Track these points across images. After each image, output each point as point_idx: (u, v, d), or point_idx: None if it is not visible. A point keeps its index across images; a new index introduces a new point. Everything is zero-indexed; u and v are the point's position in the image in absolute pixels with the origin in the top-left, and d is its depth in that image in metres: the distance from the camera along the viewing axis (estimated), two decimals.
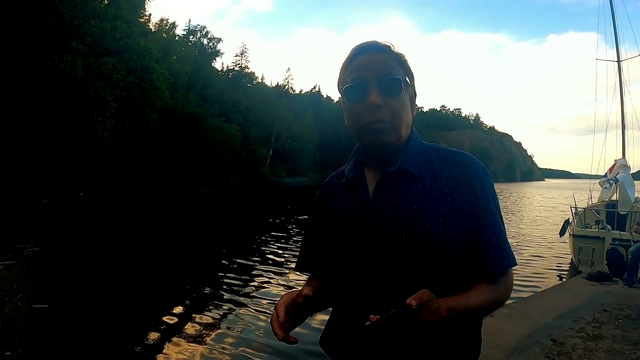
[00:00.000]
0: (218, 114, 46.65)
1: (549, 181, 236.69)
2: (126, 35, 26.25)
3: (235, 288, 7.75)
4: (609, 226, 10.37)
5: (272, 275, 8.76)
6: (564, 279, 9.49)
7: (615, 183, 12.28)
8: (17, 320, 5.54)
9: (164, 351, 4.96)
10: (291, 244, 12.31)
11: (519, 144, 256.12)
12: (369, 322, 0.92)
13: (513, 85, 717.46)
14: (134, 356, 4.90)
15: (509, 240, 1.16)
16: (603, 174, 13.72)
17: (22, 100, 20.72)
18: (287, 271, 9.13)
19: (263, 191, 41.26)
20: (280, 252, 11.23)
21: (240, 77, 70.02)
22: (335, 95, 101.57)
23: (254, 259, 10.22)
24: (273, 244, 12.29)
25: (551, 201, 42.56)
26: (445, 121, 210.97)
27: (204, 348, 5.08)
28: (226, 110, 50.94)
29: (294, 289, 1.12)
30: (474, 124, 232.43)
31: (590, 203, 13.65)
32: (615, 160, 13.58)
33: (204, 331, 5.62)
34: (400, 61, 1.15)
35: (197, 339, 5.36)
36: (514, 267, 1.13)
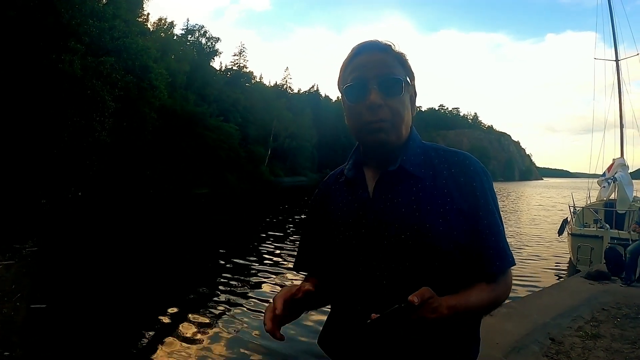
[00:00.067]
0: (216, 114, 46.59)
1: (548, 180, 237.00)
2: (124, 35, 26.23)
3: (233, 288, 7.75)
4: (607, 225, 10.38)
5: (270, 275, 8.76)
6: (562, 278, 9.49)
7: (614, 182, 12.29)
8: (16, 320, 5.54)
9: (162, 351, 4.96)
10: (289, 244, 12.31)
11: (518, 143, 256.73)
12: (370, 320, 0.92)
13: (511, 84, 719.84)
14: (132, 356, 4.90)
15: (508, 239, 1.16)
16: (601, 173, 13.73)
17: (20, 100, 20.69)
18: (284, 271, 9.13)
19: (262, 191, 41.25)
20: (278, 251, 11.23)
21: (239, 77, 69.96)
22: (334, 95, 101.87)
23: (252, 258, 10.22)
24: (271, 244, 12.29)
25: (549, 200, 42.60)
26: (444, 120, 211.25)
27: (202, 348, 5.07)
28: (224, 109, 50.88)
29: (293, 284, 1.10)
30: (473, 123, 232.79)
31: (588, 202, 13.66)
32: (613, 159, 13.58)
33: (202, 331, 5.62)
34: (400, 61, 1.15)
35: (196, 339, 5.36)
36: (512, 267, 1.13)
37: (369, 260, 1.11)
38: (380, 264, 1.09)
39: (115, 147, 25.75)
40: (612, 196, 12.37)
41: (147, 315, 6.25)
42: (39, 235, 11.78)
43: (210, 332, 5.61)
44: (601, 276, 7.47)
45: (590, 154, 14.78)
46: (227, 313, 6.37)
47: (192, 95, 44.13)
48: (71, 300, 6.62)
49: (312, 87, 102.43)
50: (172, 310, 6.43)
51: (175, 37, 53.04)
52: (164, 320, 5.95)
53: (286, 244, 12.40)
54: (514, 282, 1.17)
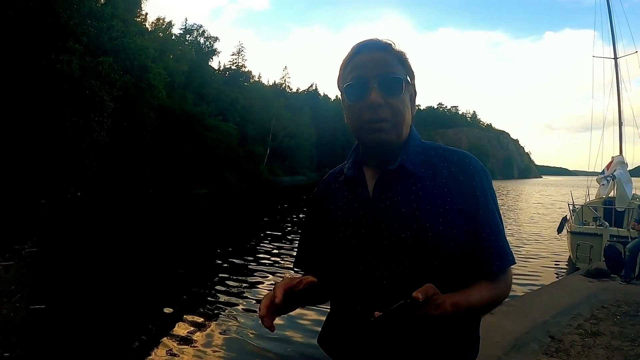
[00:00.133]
0: (215, 113, 46.52)
1: (546, 178, 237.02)
2: (122, 35, 26.20)
3: (231, 288, 7.74)
4: (606, 223, 10.39)
5: (268, 275, 8.76)
6: (561, 276, 9.50)
7: (613, 180, 12.29)
8: (16, 320, 5.54)
9: (161, 351, 4.96)
10: (287, 244, 12.31)
11: (516, 141, 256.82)
12: (375, 317, 0.91)
13: (510, 82, 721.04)
14: (132, 356, 4.90)
15: (507, 238, 1.16)
16: (600, 171, 13.74)
17: (19, 101, 20.67)
18: (283, 271, 9.13)
19: (261, 190, 41.23)
20: (276, 251, 11.23)
21: (237, 76, 69.88)
22: (333, 94, 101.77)
23: (251, 258, 10.21)
24: (270, 244, 12.28)
25: (548, 198, 42.62)
26: (443, 119, 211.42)
27: (201, 348, 5.07)
28: (223, 109, 50.80)
29: (294, 276, 1.09)
30: (471, 122, 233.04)
31: (587, 200, 13.67)
32: (612, 157, 13.60)
33: (201, 331, 5.62)
34: (401, 59, 1.14)
35: (194, 339, 5.35)
36: (512, 265, 1.13)
37: (369, 259, 1.10)
38: (380, 264, 1.09)
39: (114, 147, 25.73)
40: (611, 194, 12.37)
41: (146, 315, 6.25)
42: (38, 235, 11.77)
43: (209, 332, 5.61)
44: (600, 274, 7.48)
45: (589, 152, 14.83)
46: (226, 313, 6.37)
47: (191, 95, 44.07)
48: (71, 300, 6.61)
49: (311, 86, 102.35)
50: (171, 310, 6.43)
51: (173, 37, 52.93)
52: (162, 320, 5.95)
53: (285, 243, 12.40)
54: (513, 280, 1.17)
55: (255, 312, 6.33)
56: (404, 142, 1.16)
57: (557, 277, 9.43)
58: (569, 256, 11.03)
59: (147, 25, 44.08)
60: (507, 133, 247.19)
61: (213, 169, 41.15)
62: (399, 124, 1.12)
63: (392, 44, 1.14)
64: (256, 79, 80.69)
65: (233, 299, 7.06)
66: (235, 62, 74.23)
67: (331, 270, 1.19)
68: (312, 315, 6.09)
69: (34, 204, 18.87)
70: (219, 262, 9.80)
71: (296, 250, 1.41)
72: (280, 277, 8.65)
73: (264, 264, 9.70)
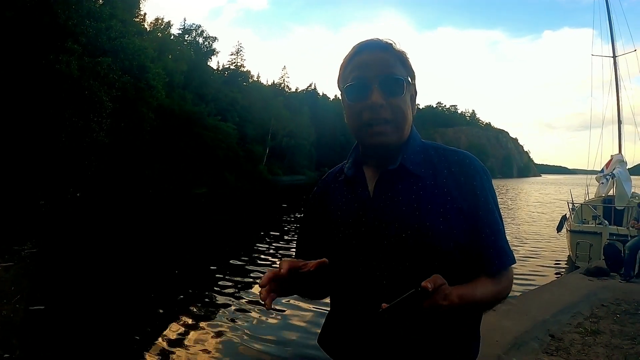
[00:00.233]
0: (214, 113, 46.46)
1: (546, 177, 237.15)
2: (121, 35, 26.14)
3: (230, 289, 7.73)
4: (606, 221, 10.41)
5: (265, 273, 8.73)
6: (561, 275, 9.52)
7: (612, 178, 12.30)
8: (15, 321, 5.53)
9: (160, 351, 4.97)
10: (286, 244, 12.29)
11: (515, 140, 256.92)
12: (383, 308, 0.91)
13: (509, 81, 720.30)
14: (131, 356, 4.90)
15: (507, 237, 1.16)
16: (599, 170, 13.76)
17: (18, 101, 20.64)
18: None
19: (260, 190, 41.21)
20: (274, 252, 11.21)
21: (236, 76, 69.80)
22: (332, 93, 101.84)
23: (250, 258, 10.20)
24: (269, 244, 12.26)
25: (548, 197, 42.68)
26: (442, 118, 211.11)
27: (197, 349, 5.08)
28: (222, 109, 50.74)
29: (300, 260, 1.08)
30: (471, 121, 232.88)
31: (587, 198, 13.68)
32: (611, 156, 13.60)
33: (197, 332, 5.62)
34: (401, 59, 1.14)
35: (191, 339, 5.36)
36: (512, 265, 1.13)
37: (369, 259, 1.10)
38: (380, 264, 1.09)
39: (113, 148, 25.68)
40: (611, 192, 12.38)
41: (144, 316, 6.26)
42: (37, 236, 11.75)
43: (206, 332, 5.61)
44: (600, 272, 7.49)
45: (589, 151, 14.82)
46: (222, 313, 6.37)
47: (190, 95, 44.04)
48: (70, 301, 6.61)
49: (310, 85, 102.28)
50: (169, 310, 6.45)
51: (172, 37, 52.89)
52: (161, 321, 5.95)
53: (284, 243, 12.39)
54: (513, 279, 1.17)
55: (252, 312, 6.36)
56: (404, 142, 1.15)
57: (556, 276, 9.45)
58: (569, 255, 11.05)
59: (146, 26, 44.08)
60: (506, 132, 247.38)
61: (212, 168, 41.11)
62: (400, 124, 1.12)
63: (393, 44, 1.14)
64: (255, 79, 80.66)
65: (230, 300, 7.06)
66: (234, 62, 74.15)
67: (331, 269, 1.18)
68: (308, 317, 6.11)
69: (33, 205, 18.84)
70: (218, 262, 9.79)
71: (294, 248, 1.41)
72: None
73: (263, 265, 9.69)
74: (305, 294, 1.27)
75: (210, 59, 60.71)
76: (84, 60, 22.61)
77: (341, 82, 1.17)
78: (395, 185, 1.13)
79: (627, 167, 12.99)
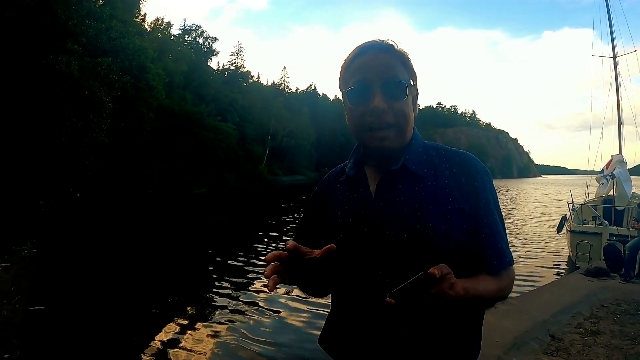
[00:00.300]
0: (214, 113, 46.45)
1: (546, 177, 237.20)
2: (121, 35, 26.11)
3: (229, 290, 7.73)
4: (606, 222, 10.41)
5: (263, 277, 8.72)
6: (561, 275, 9.51)
7: (612, 179, 12.30)
8: (15, 321, 5.53)
9: (159, 351, 4.97)
10: (285, 244, 12.24)
11: (516, 140, 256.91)
12: (392, 291, 0.90)
13: (509, 82, 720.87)
14: (130, 356, 4.90)
15: (507, 237, 1.16)
16: (600, 170, 13.75)
17: (18, 101, 20.63)
18: None
19: (260, 190, 41.20)
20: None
21: (236, 76, 69.80)
22: (332, 94, 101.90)
23: (248, 260, 10.16)
24: (268, 245, 12.25)
25: (548, 197, 42.65)
26: (442, 118, 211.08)
27: (197, 349, 5.09)
28: (222, 109, 50.75)
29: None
30: (471, 121, 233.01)
31: (587, 199, 13.68)
32: (611, 156, 13.60)
33: (195, 333, 5.63)
34: (403, 61, 1.14)
35: (189, 340, 5.36)
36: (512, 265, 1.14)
37: (371, 259, 1.10)
38: (381, 263, 1.09)
39: (113, 148, 25.66)
40: (611, 193, 12.38)
41: (145, 316, 6.27)
42: (37, 236, 11.75)
43: (204, 333, 5.62)
44: (600, 273, 7.49)
45: (589, 151, 14.82)
46: (220, 314, 6.37)
47: (190, 95, 44.04)
48: (70, 301, 6.61)
49: (310, 86, 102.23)
50: (168, 311, 6.45)
51: (172, 37, 52.95)
52: (160, 321, 5.95)
53: (284, 244, 12.34)
54: (514, 278, 1.17)
55: (250, 313, 6.36)
56: (406, 143, 1.16)
57: (557, 277, 9.45)
58: (569, 255, 11.04)
59: (146, 26, 44.07)
60: (507, 132, 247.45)
61: (212, 169, 41.11)
62: (402, 128, 1.12)
63: (394, 45, 1.14)
64: (255, 79, 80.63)
65: (227, 301, 7.04)
66: (234, 62, 74.14)
67: (332, 269, 1.18)
68: (304, 318, 6.11)
69: (33, 205, 18.84)
70: (216, 263, 9.80)
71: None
72: None
73: (261, 265, 9.62)
74: (307, 289, 1.27)
75: (211, 59, 60.77)
76: (84, 60, 22.59)
77: (342, 84, 1.17)
78: (397, 185, 1.13)
79: (627, 168, 12.99)
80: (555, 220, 14.84)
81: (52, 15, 22.39)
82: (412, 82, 1.15)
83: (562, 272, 10.01)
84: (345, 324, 1.17)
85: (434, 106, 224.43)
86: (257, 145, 58.06)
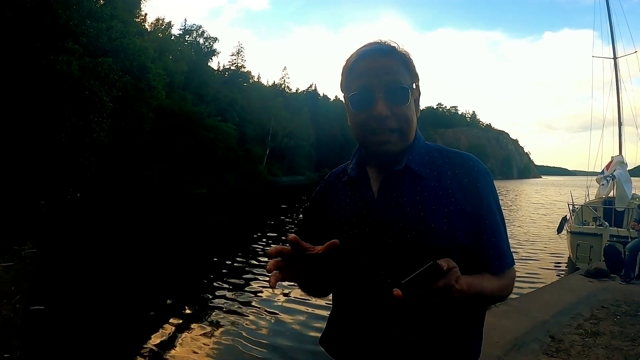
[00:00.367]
0: (214, 113, 46.51)
1: (546, 178, 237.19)
2: (122, 35, 26.13)
3: (229, 290, 7.71)
4: (606, 223, 10.39)
5: (266, 276, 8.70)
6: (561, 276, 9.51)
7: (612, 180, 12.29)
8: (15, 321, 5.53)
9: (158, 351, 4.97)
10: (285, 245, 12.23)
11: (516, 141, 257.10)
12: (405, 280, 0.89)
13: (509, 82, 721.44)
14: (130, 356, 4.90)
15: (508, 238, 1.16)
16: (600, 171, 13.74)
17: (18, 101, 20.63)
18: None
19: (260, 190, 41.21)
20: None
21: (236, 76, 69.90)
22: (332, 94, 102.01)
23: (247, 260, 10.16)
24: (267, 245, 12.23)
25: (548, 198, 42.64)
26: (442, 119, 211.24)
27: (199, 348, 5.08)
28: (222, 109, 50.81)
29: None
30: (471, 122, 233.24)
31: (587, 200, 13.67)
32: (612, 157, 13.59)
33: (195, 333, 5.63)
34: (405, 63, 1.13)
35: (193, 339, 5.37)
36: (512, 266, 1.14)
37: (373, 259, 1.11)
38: (383, 263, 1.09)
39: (113, 148, 25.68)
40: (611, 194, 12.37)
41: (144, 316, 6.29)
42: (37, 236, 11.75)
43: (202, 333, 5.62)
44: (600, 274, 7.48)
45: (589, 152, 14.80)
46: (219, 315, 6.35)
47: (190, 95, 44.11)
48: (70, 301, 6.62)
49: (310, 86, 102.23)
50: (169, 310, 6.46)
51: (173, 37, 53.11)
52: (159, 321, 5.94)
53: (282, 244, 12.34)
54: (515, 277, 1.18)
55: (247, 314, 6.35)
56: (409, 144, 1.16)
57: (557, 277, 9.44)
58: (569, 256, 11.03)
59: (147, 26, 44.15)
60: (507, 133, 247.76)
61: (212, 169, 41.16)
62: (405, 132, 1.12)
63: (396, 47, 1.13)
64: (255, 80, 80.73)
65: (225, 302, 7.02)
66: (235, 63, 74.24)
67: (333, 268, 1.18)
68: (301, 319, 6.11)
69: (33, 205, 18.84)
70: (215, 263, 9.80)
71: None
72: None
73: (260, 266, 9.61)
74: (307, 288, 1.27)
75: (211, 59, 60.95)
76: (84, 60, 22.60)
77: (344, 88, 1.17)
78: (399, 186, 1.13)
79: (627, 169, 12.97)
80: (555, 221, 14.84)
81: (52, 15, 22.39)
82: (414, 85, 1.15)
83: (562, 273, 10.00)
84: (347, 324, 1.17)
85: (434, 107, 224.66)
86: (257, 146, 58.13)
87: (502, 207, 1.17)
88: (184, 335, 5.47)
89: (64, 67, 21.43)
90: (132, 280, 8.33)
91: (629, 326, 4.81)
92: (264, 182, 53.21)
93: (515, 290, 1.25)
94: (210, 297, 7.28)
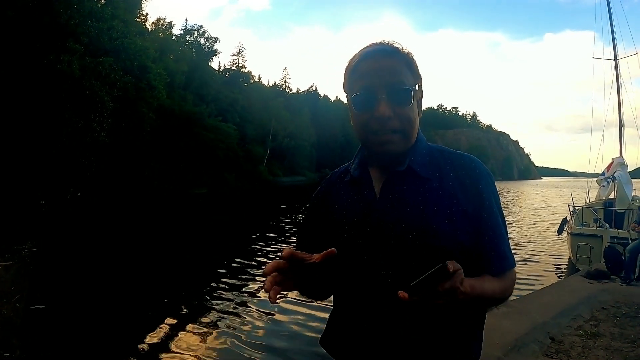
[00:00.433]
0: (215, 114, 46.54)
1: (546, 179, 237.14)
2: (123, 35, 26.18)
3: (228, 290, 7.71)
4: (606, 224, 10.38)
5: (262, 275, 8.69)
6: (562, 278, 9.51)
7: (613, 181, 12.28)
8: (15, 321, 5.53)
9: (158, 351, 4.97)
10: (284, 245, 12.24)
11: (516, 142, 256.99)
12: (412, 283, 0.89)
13: (510, 83, 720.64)
14: (130, 356, 4.90)
15: (508, 239, 1.17)
16: (600, 172, 13.73)
17: (19, 101, 20.65)
18: None
19: (260, 190, 41.22)
20: (272, 255, 11.17)
21: (237, 77, 69.94)
22: (332, 94, 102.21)
23: (246, 260, 10.15)
24: (268, 245, 12.23)
25: (549, 199, 42.62)
26: (443, 120, 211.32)
27: (199, 348, 5.08)
28: (223, 109, 50.84)
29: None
30: (471, 123, 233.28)
31: (587, 201, 13.64)
32: (612, 159, 13.58)
33: (197, 332, 5.63)
34: (408, 64, 1.13)
35: (191, 339, 5.37)
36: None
37: (375, 259, 1.10)
38: (385, 264, 1.09)
39: (113, 148, 25.70)
40: (612, 195, 12.36)
41: (142, 316, 6.28)
42: (38, 236, 11.75)
43: (200, 334, 5.61)
44: (600, 275, 7.47)
45: (590, 153, 14.78)
46: (217, 316, 6.34)
47: (191, 95, 44.15)
48: (70, 301, 6.62)
49: (311, 86, 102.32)
50: (168, 310, 6.45)
51: (173, 37, 53.13)
52: (157, 322, 5.93)
53: (283, 245, 12.35)
54: (515, 279, 1.18)
55: (244, 315, 6.35)
56: (411, 145, 1.16)
57: (557, 278, 9.44)
58: (569, 257, 11.02)
59: (148, 26, 44.18)
60: (507, 134, 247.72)
61: (212, 169, 41.20)
62: (408, 133, 1.12)
63: (400, 47, 1.13)
64: (256, 80, 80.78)
65: (223, 302, 7.01)
66: (235, 63, 74.31)
67: (334, 269, 1.18)
68: (300, 320, 6.11)
69: (33, 204, 18.85)
70: (214, 264, 9.79)
71: (294, 246, 1.39)
72: None
73: (259, 267, 9.61)
74: (307, 292, 1.27)
75: (212, 59, 60.93)
76: (85, 60, 22.64)
77: (347, 89, 1.16)
78: (401, 186, 1.13)
79: (628, 170, 12.95)
80: (555, 223, 14.83)
81: (53, 14, 22.44)
82: (417, 86, 1.14)
83: (562, 275, 10.00)
84: (348, 324, 1.17)
85: (435, 107, 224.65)
86: (257, 146, 58.17)
87: (502, 208, 1.17)
88: (182, 335, 5.48)
89: (65, 67, 21.46)
90: (131, 280, 8.33)
91: (629, 328, 4.81)
92: (264, 182, 53.24)
93: (515, 291, 1.25)
94: (208, 297, 7.28)
